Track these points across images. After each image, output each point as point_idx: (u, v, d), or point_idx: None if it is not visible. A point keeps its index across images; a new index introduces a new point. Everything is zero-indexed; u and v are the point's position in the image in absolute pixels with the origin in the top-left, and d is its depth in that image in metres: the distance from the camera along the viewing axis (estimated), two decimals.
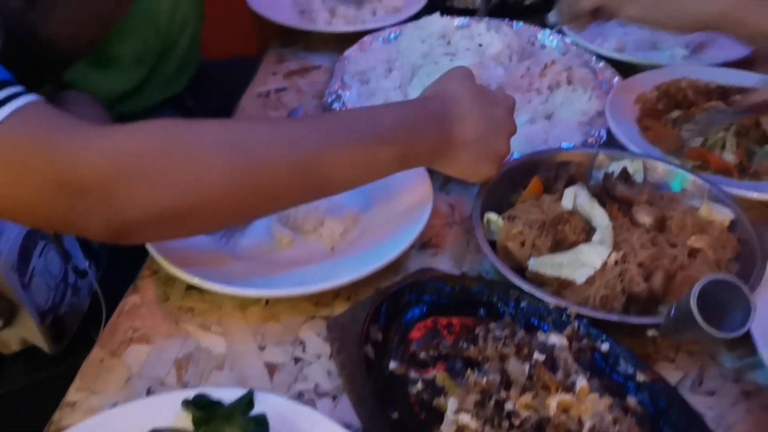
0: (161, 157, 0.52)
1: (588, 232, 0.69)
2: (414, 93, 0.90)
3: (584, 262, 0.65)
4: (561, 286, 0.65)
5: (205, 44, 1.42)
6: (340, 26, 1.09)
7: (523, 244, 0.67)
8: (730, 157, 0.80)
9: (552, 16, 0.98)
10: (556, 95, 0.91)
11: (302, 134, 0.58)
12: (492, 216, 0.70)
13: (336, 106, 0.89)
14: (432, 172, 0.82)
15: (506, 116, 0.68)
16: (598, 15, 0.87)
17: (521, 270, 0.67)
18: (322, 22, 1.10)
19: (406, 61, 0.96)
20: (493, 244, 0.69)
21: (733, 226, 0.70)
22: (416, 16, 1.10)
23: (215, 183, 0.53)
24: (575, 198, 0.70)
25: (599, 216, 0.69)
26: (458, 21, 1.09)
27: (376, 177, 0.62)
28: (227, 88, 1.23)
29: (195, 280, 0.64)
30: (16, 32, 0.88)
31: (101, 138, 0.51)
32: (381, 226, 0.72)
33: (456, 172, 0.68)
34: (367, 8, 1.14)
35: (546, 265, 0.66)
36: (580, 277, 0.64)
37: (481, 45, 0.97)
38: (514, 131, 0.68)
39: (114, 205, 0.51)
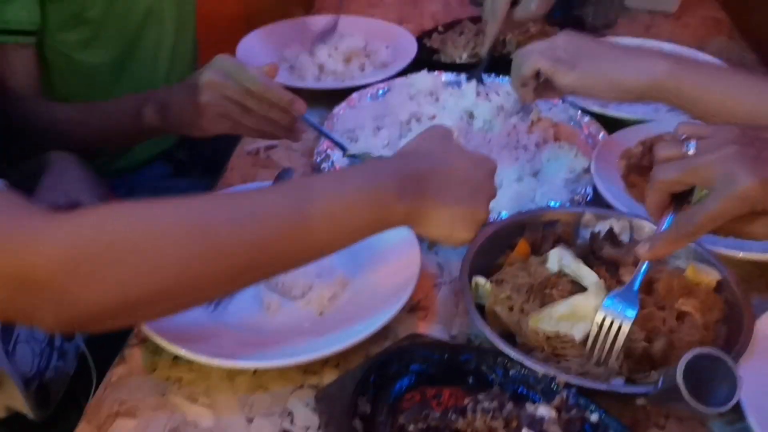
0: (112, 248, 0.50)
1: (575, 294, 0.69)
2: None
3: (580, 316, 0.65)
4: (555, 348, 0.65)
5: None
6: (329, 83, 1.10)
7: (511, 308, 0.68)
8: None
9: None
10: (543, 152, 0.92)
11: (267, 209, 0.56)
12: (480, 280, 0.70)
13: (325, 166, 0.90)
14: None
15: (486, 180, 0.66)
16: (545, 91, 0.86)
17: (510, 334, 0.67)
18: (311, 79, 1.11)
19: (395, 118, 0.97)
20: (482, 307, 0.69)
21: (719, 286, 0.71)
22: (404, 72, 1.12)
23: (170, 271, 0.51)
24: (560, 260, 0.71)
25: (587, 275, 0.70)
26: (445, 77, 1.11)
27: (351, 242, 0.60)
28: (219, 140, 1.24)
29: (182, 352, 0.63)
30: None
31: (53, 228, 0.50)
32: (370, 290, 0.72)
33: (432, 234, 0.66)
34: (355, 64, 1.16)
35: (542, 320, 0.65)
36: (578, 332, 0.64)
37: (468, 104, 0.99)
38: (493, 195, 0.67)
39: (65, 298, 0.49)
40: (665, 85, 0.75)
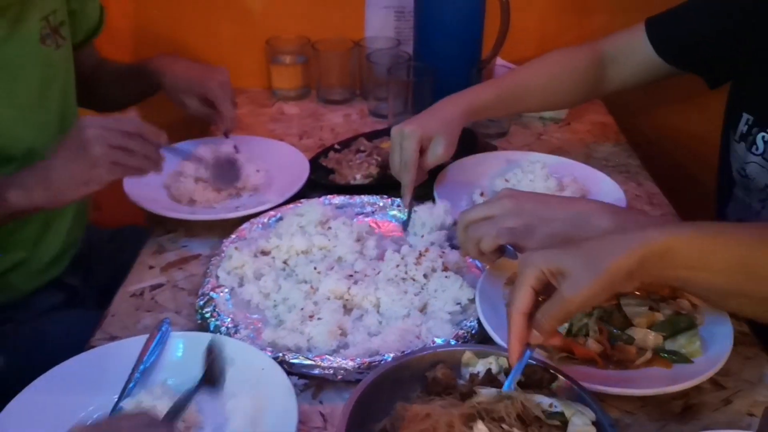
0: None
1: None
2: (288, 290, 0.90)
3: None
4: None
5: (94, 214, 1.41)
6: (220, 212, 1.09)
7: None
8: (593, 345, 0.82)
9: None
10: (431, 283, 0.93)
11: None
12: None
13: (207, 311, 0.87)
14: (307, 378, 0.81)
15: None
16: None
17: None
18: (202, 209, 1.10)
19: (281, 254, 0.97)
20: None
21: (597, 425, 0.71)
22: (299, 194, 1.13)
23: None
24: None
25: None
26: (339, 200, 1.11)
27: None
28: (115, 263, 1.20)
29: None
30: None
31: None
32: None
33: None
34: (249, 189, 1.15)
35: None
36: None
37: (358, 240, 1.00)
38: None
39: None
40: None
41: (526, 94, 1.19)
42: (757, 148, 1.02)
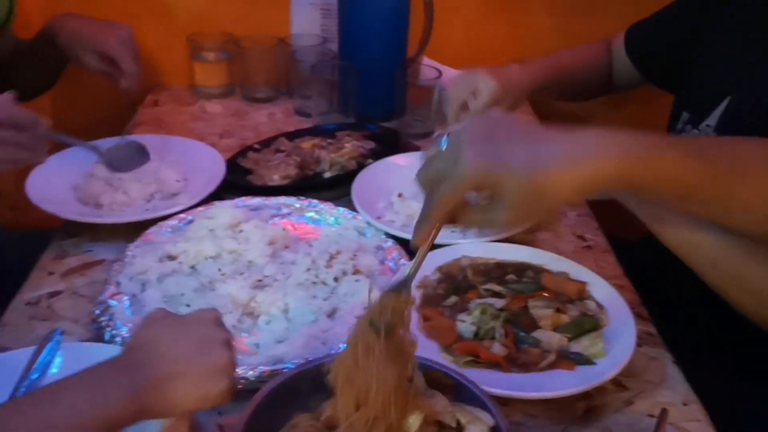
0: None
1: None
2: (194, 300, 0.87)
3: None
4: None
5: (8, 215, 1.34)
6: (128, 215, 1.04)
7: None
8: (498, 348, 0.81)
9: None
10: (341, 286, 0.91)
11: None
12: None
13: (103, 320, 0.84)
14: None
15: (211, 330, 0.65)
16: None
17: None
18: (109, 212, 1.05)
19: (189, 259, 0.93)
20: None
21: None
22: (214, 195, 1.09)
23: None
24: None
25: None
26: (254, 202, 1.08)
27: None
28: (20, 267, 1.14)
29: None
30: None
31: None
32: None
33: (189, 407, 0.62)
34: (162, 192, 1.11)
35: None
36: None
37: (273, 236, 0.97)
38: (227, 338, 0.65)
39: None
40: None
41: (570, 80, 1.27)
42: None
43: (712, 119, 0.98)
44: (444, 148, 0.61)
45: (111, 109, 1.44)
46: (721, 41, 1.03)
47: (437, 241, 0.99)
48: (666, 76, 1.20)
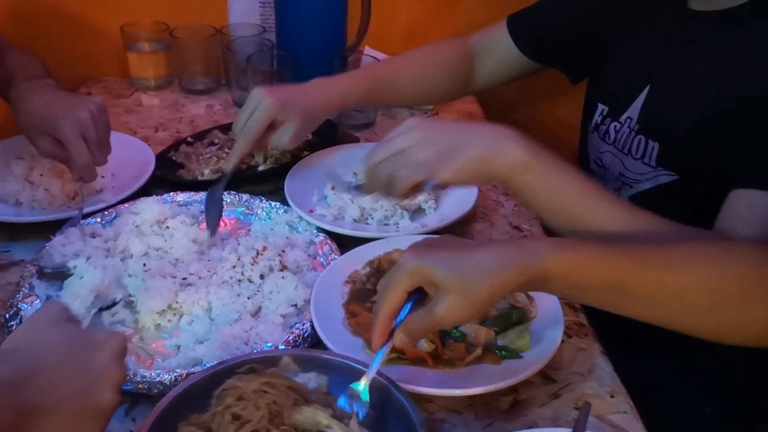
0: None
1: None
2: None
3: None
4: None
5: None
6: (48, 213, 1.00)
7: None
8: (425, 344, 0.79)
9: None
10: (266, 284, 0.88)
11: None
12: None
13: (13, 324, 0.80)
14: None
15: (109, 362, 0.58)
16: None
17: None
18: (29, 210, 1.01)
19: (110, 261, 0.90)
20: None
21: None
22: (142, 191, 1.06)
23: None
24: None
25: None
26: (183, 197, 1.05)
27: None
28: None
29: None
30: None
31: None
32: None
33: None
34: (87, 188, 1.07)
35: None
36: None
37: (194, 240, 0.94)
38: (121, 377, 0.58)
39: None
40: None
41: (398, 88, 1.16)
42: (609, 138, 1.03)
43: (633, 112, 0.96)
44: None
45: None
46: (636, 29, 1.01)
47: (369, 235, 0.99)
48: (569, 65, 1.16)
